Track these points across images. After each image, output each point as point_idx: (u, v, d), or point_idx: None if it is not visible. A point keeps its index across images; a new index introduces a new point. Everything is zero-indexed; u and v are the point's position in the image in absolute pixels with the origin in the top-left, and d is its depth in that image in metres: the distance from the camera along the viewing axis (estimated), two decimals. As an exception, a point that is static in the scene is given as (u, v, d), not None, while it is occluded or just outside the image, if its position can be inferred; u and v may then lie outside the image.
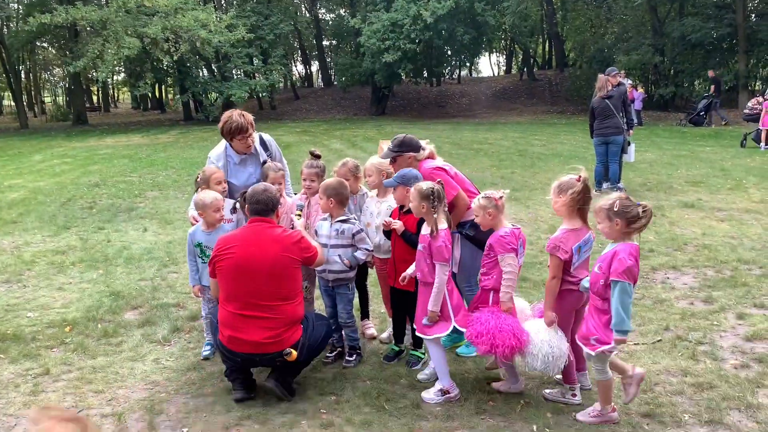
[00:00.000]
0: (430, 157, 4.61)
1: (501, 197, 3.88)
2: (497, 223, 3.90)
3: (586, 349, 3.59)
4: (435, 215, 3.90)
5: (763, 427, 3.50)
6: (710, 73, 23.85)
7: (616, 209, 3.37)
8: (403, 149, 4.50)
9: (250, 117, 4.83)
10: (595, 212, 3.49)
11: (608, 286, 3.42)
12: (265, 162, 4.96)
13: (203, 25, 27.31)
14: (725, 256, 6.67)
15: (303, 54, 48.77)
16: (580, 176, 3.73)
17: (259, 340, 3.83)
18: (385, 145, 4.76)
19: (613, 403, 3.64)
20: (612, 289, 3.38)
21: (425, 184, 3.96)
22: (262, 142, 5.08)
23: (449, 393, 3.95)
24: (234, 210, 4.71)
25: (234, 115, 4.77)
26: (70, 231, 8.67)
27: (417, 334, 4.12)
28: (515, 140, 18.84)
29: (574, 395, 3.90)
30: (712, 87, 22.97)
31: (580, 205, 3.73)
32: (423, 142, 4.64)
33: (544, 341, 3.68)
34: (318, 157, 4.88)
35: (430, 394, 3.97)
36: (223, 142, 4.95)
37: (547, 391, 4.00)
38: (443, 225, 3.92)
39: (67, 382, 4.26)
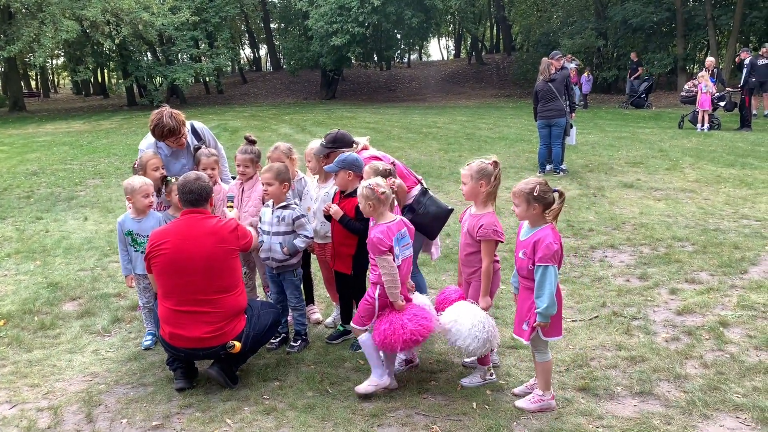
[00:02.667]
0: (364, 148, 4.63)
1: (384, 192, 3.73)
2: (378, 215, 3.78)
3: (519, 339, 3.62)
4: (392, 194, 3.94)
5: (690, 396, 3.66)
6: (633, 56, 24.51)
7: (536, 194, 3.41)
8: (336, 145, 4.51)
9: (181, 116, 4.72)
10: (513, 194, 3.51)
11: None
12: (198, 149, 4.88)
13: (145, 8, 26.56)
14: (660, 234, 6.92)
15: (251, 37, 47.92)
16: (495, 161, 3.78)
17: (199, 335, 3.78)
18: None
19: (552, 391, 3.60)
20: (540, 274, 3.39)
21: (380, 164, 4.02)
22: (194, 131, 4.98)
23: (413, 362, 4.12)
24: (158, 194, 4.64)
25: (164, 116, 4.61)
26: (5, 221, 8.37)
27: None
28: (463, 124, 19.01)
29: (492, 374, 3.95)
30: (636, 70, 23.76)
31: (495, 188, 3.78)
32: (363, 139, 4.66)
33: (479, 324, 3.67)
34: (253, 142, 4.78)
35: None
36: None
37: (465, 380, 3.92)
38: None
39: (1, 377, 4.14)
